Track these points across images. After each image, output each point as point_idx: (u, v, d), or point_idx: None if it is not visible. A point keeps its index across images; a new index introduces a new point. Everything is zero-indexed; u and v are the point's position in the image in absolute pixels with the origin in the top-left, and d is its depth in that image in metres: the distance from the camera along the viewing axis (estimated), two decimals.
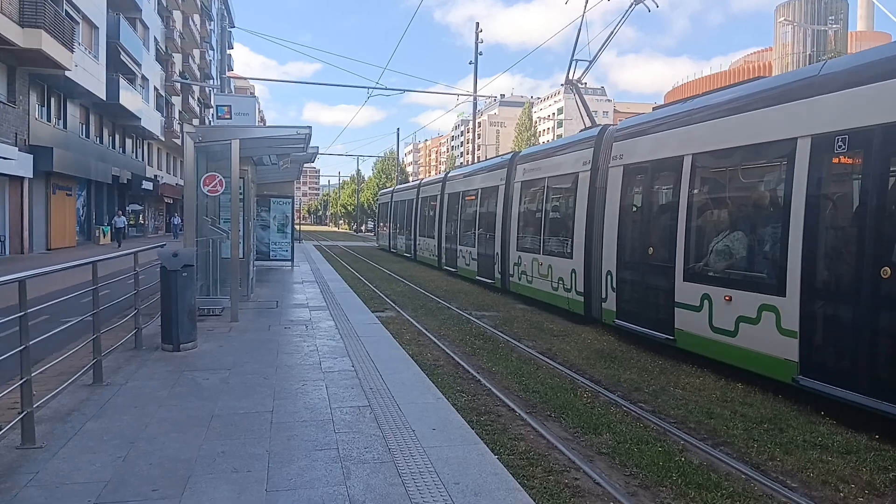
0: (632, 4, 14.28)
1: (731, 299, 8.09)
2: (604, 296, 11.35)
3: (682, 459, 5.41)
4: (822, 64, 7.34)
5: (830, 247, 7.02)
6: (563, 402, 7.01)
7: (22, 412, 4.51)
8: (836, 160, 6.88)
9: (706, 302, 8.53)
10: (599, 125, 13.31)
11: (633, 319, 10.36)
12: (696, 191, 9.06)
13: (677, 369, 8.74)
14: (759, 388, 7.65)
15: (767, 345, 7.46)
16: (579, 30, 15.49)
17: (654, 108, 11.25)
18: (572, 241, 12.81)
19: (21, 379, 4.52)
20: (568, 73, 15.46)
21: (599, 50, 15.15)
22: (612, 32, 14.56)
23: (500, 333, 11.18)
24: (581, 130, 14.10)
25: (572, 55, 15.21)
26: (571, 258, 12.79)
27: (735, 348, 8.04)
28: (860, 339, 6.36)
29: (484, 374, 8.28)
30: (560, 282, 13.25)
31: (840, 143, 6.66)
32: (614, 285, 10.96)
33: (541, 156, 15.35)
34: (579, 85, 15.66)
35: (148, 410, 5.42)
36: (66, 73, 25.03)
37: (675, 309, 9.15)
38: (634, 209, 10.77)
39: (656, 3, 14.20)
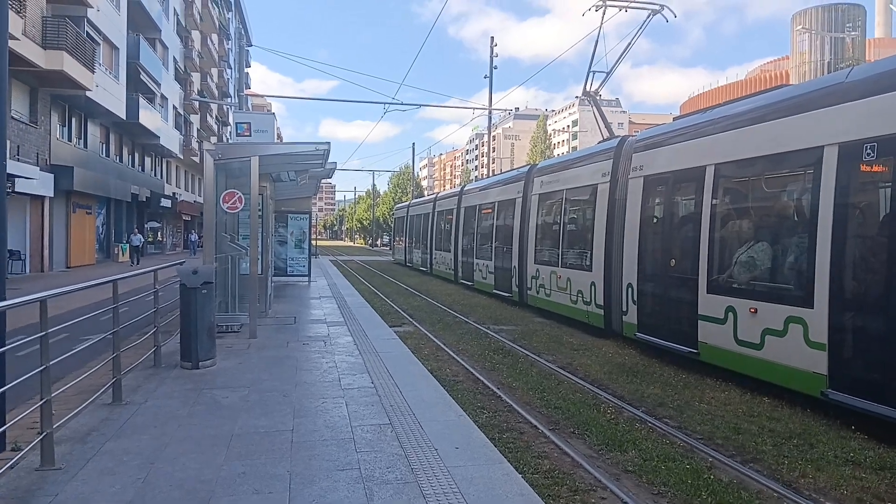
0: (649, 15, 14.22)
1: (756, 311, 7.93)
2: (624, 309, 11.19)
3: (711, 477, 5.27)
4: (849, 70, 7.21)
5: (860, 257, 6.85)
6: (587, 418, 6.88)
7: (42, 433, 4.48)
8: (864, 168, 6.72)
9: (731, 314, 8.37)
10: (618, 136, 13.21)
11: (655, 332, 10.19)
12: (719, 201, 8.93)
13: (701, 383, 8.57)
14: (787, 402, 7.47)
15: (795, 358, 7.28)
16: (596, 41, 15.47)
17: (674, 119, 11.14)
18: (591, 254, 12.68)
19: (41, 399, 4.49)
20: (585, 85, 15.38)
21: (617, 61, 15.09)
22: (629, 43, 14.50)
23: (519, 348, 11.06)
24: (599, 142, 14.01)
25: (589, 67, 15.13)
26: (591, 271, 12.66)
27: (761, 362, 7.86)
28: (892, 352, 6.18)
29: (504, 389, 8.17)
30: (579, 295, 13.11)
31: (869, 151, 6.52)
32: (635, 298, 10.81)
33: (558, 168, 15.27)
34: (596, 97, 15.59)
35: (167, 430, 5.38)
36: (87, 93, 25.40)
37: (699, 321, 8.99)
38: (655, 220, 10.63)
39: (674, 13, 14.14)
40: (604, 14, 15.07)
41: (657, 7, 14.32)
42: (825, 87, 7.45)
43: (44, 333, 4.51)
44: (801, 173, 7.66)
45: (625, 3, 14.85)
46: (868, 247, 6.83)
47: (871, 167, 6.72)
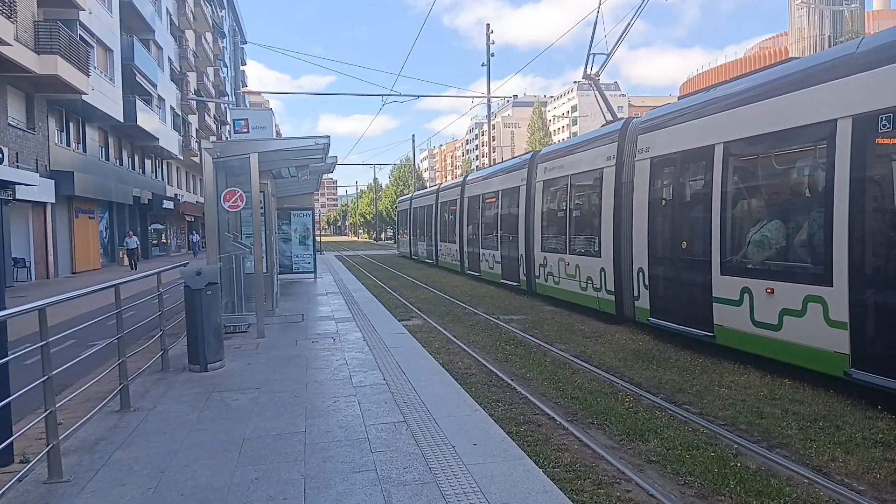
0: None
1: (773, 292, 7.76)
2: (636, 294, 11.03)
3: (738, 465, 5.11)
4: (859, 41, 7.00)
5: (879, 231, 6.67)
6: (605, 407, 6.72)
7: (48, 445, 4.34)
8: (880, 140, 6.53)
9: (746, 295, 8.21)
10: (622, 118, 13.00)
11: (669, 317, 10.03)
12: (729, 180, 8.73)
13: (719, 367, 8.41)
14: (808, 383, 7.31)
15: (815, 338, 7.12)
16: (595, 24, 15.13)
17: (678, 98, 10.93)
18: (600, 239, 12.50)
19: (45, 410, 4.35)
20: (585, 68, 15.15)
21: (617, 42, 14.86)
22: (629, 23, 14.26)
23: (530, 337, 10.90)
24: (602, 125, 13.80)
25: (589, 49, 14.91)
26: (600, 256, 12.48)
27: (780, 342, 7.70)
28: None
29: (518, 380, 8.02)
30: (589, 281, 12.94)
31: (885, 122, 6.32)
32: (646, 282, 10.64)
33: (562, 153, 15.06)
34: (597, 79, 15.36)
35: (177, 436, 5.25)
36: (83, 97, 25.21)
37: (714, 304, 8.82)
38: (664, 203, 10.45)
39: None
40: None
41: None
42: (835, 58, 7.25)
43: (44, 343, 4.38)
44: (814, 148, 7.48)
45: None
46: (888, 220, 6.64)
47: (888, 139, 6.53)
